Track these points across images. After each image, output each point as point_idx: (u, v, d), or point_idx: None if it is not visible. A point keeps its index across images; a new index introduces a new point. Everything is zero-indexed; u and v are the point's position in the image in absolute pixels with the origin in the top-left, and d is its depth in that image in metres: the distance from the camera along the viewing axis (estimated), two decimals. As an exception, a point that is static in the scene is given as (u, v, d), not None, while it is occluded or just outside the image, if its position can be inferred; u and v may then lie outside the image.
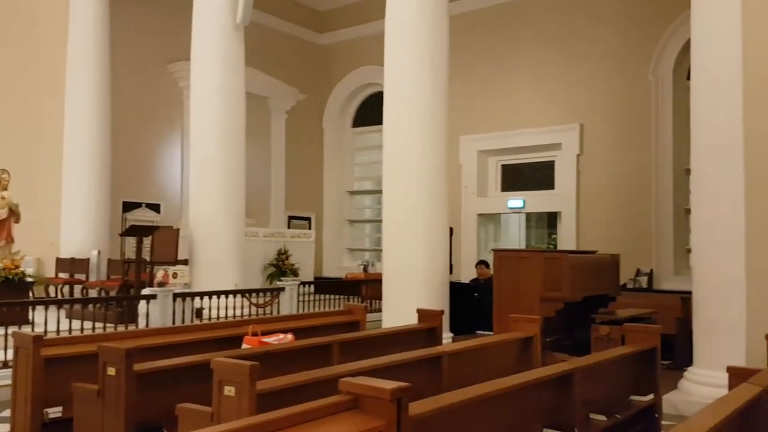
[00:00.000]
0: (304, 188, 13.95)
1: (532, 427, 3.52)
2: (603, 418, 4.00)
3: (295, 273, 11.07)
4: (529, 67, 11.27)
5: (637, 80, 10.20)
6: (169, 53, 11.58)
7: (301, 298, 9.39)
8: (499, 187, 12.11)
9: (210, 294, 8.06)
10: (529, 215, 12.13)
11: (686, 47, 8.70)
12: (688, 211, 9.29)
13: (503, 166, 12.10)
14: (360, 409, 2.15)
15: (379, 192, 8.93)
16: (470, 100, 11.67)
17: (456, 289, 8.50)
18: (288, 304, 8.96)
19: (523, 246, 11.90)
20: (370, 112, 13.72)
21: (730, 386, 3.76)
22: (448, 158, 8.02)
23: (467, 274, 11.11)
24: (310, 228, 13.63)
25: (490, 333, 6.53)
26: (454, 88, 8.46)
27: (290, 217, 13.72)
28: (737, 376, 3.79)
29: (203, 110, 9.40)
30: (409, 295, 7.22)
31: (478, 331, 8.59)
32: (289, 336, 4.98)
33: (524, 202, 11.62)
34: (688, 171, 9.24)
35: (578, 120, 10.75)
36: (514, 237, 12.29)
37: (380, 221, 8.21)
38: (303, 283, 9.70)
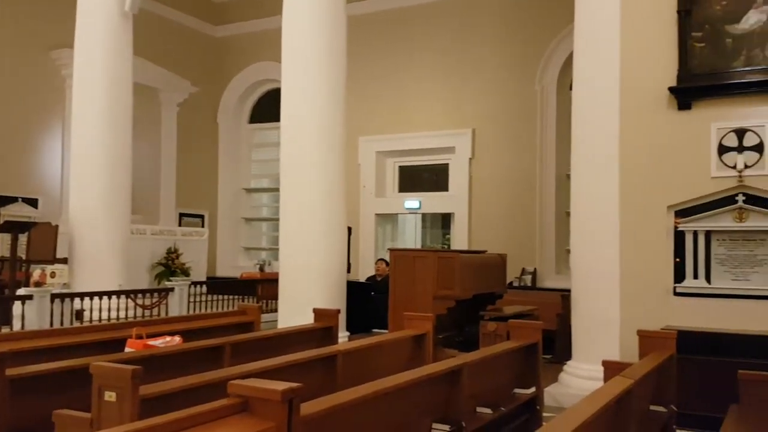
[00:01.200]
0: (197, 185, 13.50)
1: (422, 422, 3.60)
2: (489, 411, 4.16)
3: (186, 273, 10.68)
4: (426, 72, 11.54)
5: (524, 89, 10.70)
6: (51, 39, 10.83)
7: (192, 299, 9.08)
8: (396, 188, 12.31)
9: (91, 295, 7.62)
10: (424, 216, 12.42)
11: (570, 59, 9.23)
12: (568, 214, 9.86)
13: (400, 167, 12.31)
14: (250, 411, 2.10)
15: (277, 190, 8.81)
16: (369, 102, 11.78)
17: (354, 289, 8.55)
18: (177, 305, 8.64)
19: (419, 246, 12.16)
20: (267, 108, 13.48)
21: (605, 379, 4.03)
22: (347, 158, 8.06)
23: (365, 273, 11.21)
24: (203, 226, 13.20)
25: (386, 331, 6.62)
26: (353, 89, 8.52)
27: (181, 215, 13.22)
28: (611, 369, 4.08)
29: (86, 100, 8.87)
30: (305, 295, 7.18)
31: (375, 330, 8.69)
32: (177, 338, 4.81)
33: (420, 203, 11.88)
34: (569, 176, 9.80)
35: (471, 125, 11.13)
36: (411, 237, 12.54)
37: (277, 220, 8.10)
38: (194, 283, 9.38)
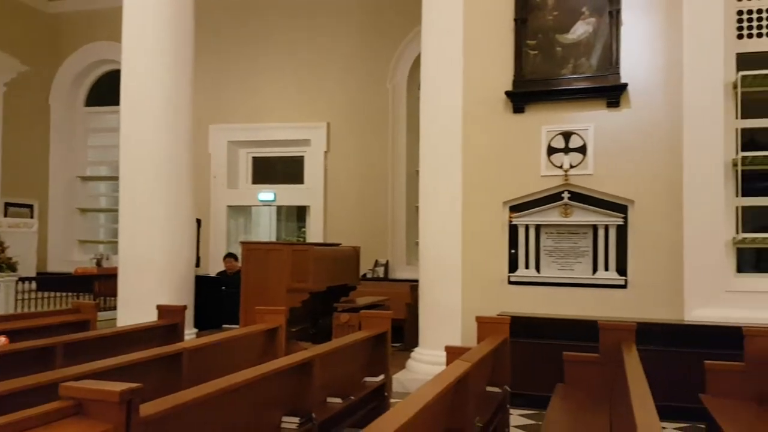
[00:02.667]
0: (25, 172, 12.27)
1: (272, 416, 3.59)
2: (339, 400, 4.24)
3: (12, 268, 9.68)
4: (281, 62, 11.41)
5: (377, 86, 10.94)
6: None
7: (19, 297, 8.31)
8: (250, 180, 12.06)
9: None
10: (279, 208, 12.30)
11: (419, 59, 9.59)
12: (418, 209, 10.28)
13: (254, 158, 12.07)
14: (85, 414, 1.98)
15: (116, 178, 8.28)
16: (221, 90, 11.42)
17: (203, 284, 8.27)
18: (3, 303, 7.87)
19: (274, 239, 12.02)
20: (106, 91, 12.55)
21: (448, 363, 4.26)
22: (196, 147, 7.75)
23: (216, 267, 10.87)
24: (32, 217, 12.05)
25: (238, 326, 6.49)
26: (203, 76, 8.22)
27: (7, 204, 11.97)
28: (453, 353, 4.31)
29: None
30: (148, 291, 6.82)
31: (226, 326, 8.48)
32: (2, 339, 4.38)
33: (275, 195, 11.74)
34: (418, 172, 10.21)
35: (326, 119, 11.19)
36: (265, 230, 12.35)
37: (117, 210, 7.60)
38: (22, 279, 8.59)
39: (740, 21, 6.05)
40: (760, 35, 6.02)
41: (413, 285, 8.61)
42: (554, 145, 6.30)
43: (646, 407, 2.68)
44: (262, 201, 11.84)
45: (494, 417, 4.50)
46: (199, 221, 8.44)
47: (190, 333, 6.67)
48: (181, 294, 7.08)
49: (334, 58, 11.11)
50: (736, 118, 5.96)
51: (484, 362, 4.29)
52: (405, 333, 8.33)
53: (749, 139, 6.19)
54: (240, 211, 12.19)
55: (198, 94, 7.72)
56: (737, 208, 5.92)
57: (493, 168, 6.46)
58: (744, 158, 5.85)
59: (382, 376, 5.12)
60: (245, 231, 12.32)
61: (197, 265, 8.31)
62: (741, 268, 6.03)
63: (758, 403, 4.25)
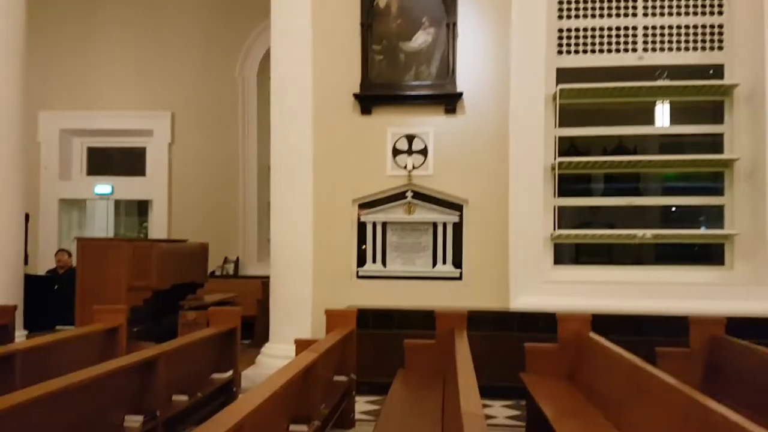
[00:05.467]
0: None
1: (114, 416, 3.52)
2: (185, 397, 4.23)
3: None
4: (123, 46, 10.77)
5: (225, 77, 10.71)
6: None
7: None
8: (85, 171, 11.28)
9: None
10: (118, 202, 11.63)
11: (270, 52, 9.56)
12: (269, 204, 10.27)
13: (90, 148, 11.31)
14: None
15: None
16: (52, 72, 10.56)
17: (32, 283, 7.66)
18: None
19: (111, 234, 11.35)
20: None
21: (297, 356, 4.42)
22: (23, 135, 7.16)
23: (46, 265, 10.06)
24: None
25: (73, 327, 6.14)
26: (32, 55, 7.58)
27: None
28: (302, 346, 4.47)
29: None
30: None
31: (59, 327, 7.91)
32: None
33: (113, 188, 11.10)
34: (270, 167, 10.19)
35: (170, 108, 10.76)
36: (102, 225, 11.62)
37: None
38: None
39: (560, 38, 6.78)
40: (577, 52, 6.79)
41: (264, 281, 8.59)
42: (399, 146, 6.66)
43: (470, 387, 3.02)
44: (98, 194, 11.14)
45: (340, 404, 4.73)
46: (27, 216, 7.79)
47: (20, 335, 6.19)
48: (9, 294, 6.54)
49: (180, 45, 10.69)
50: (555, 126, 6.69)
51: (331, 352, 4.49)
52: (255, 329, 8.33)
53: (570, 146, 6.98)
54: (73, 205, 11.37)
55: (27, 76, 7.13)
56: (555, 207, 6.67)
57: (343, 166, 6.69)
58: (561, 163, 6.60)
59: (230, 372, 5.15)
60: (79, 226, 11.51)
61: (25, 263, 7.68)
62: (559, 261, 6.80)
63: (568, 379, 4.87)
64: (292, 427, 3.58)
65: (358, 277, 6.66)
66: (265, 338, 7.04)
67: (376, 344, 5.92)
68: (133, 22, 10.74)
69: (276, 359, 6.32)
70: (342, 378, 4.94)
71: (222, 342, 5.20)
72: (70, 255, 9.11)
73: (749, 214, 6.34)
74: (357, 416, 5.20)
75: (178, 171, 10.78)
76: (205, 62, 10.68)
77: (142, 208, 11.55)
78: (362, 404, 5.57)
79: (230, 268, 10.46)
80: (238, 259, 10.55)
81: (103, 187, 11.07)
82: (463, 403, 2.67)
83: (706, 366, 4.83)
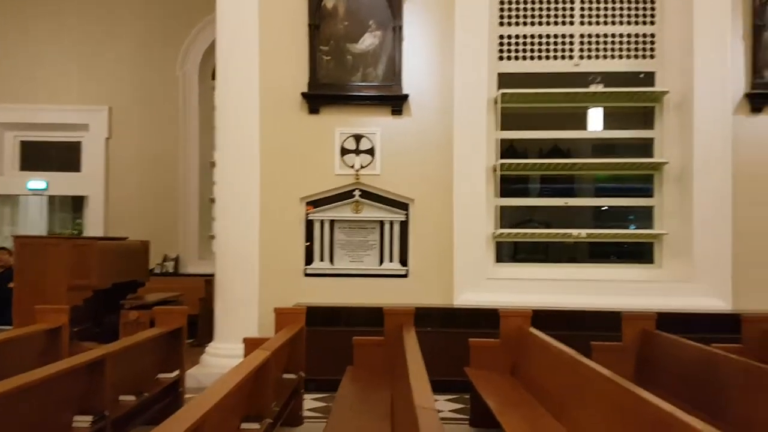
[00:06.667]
0: None
1: (62, 416, 3.47)
2: (132, 398, 4.19)
3: None
4: (58, 39, 10.39)
5: (166, 72, 10.49)
6: None
7: None
8: (17, 166, 10.83)
9: None
10: (52, 198, 11.22)
11: (211, 48, 9.45)
12: (212, 201, 10.15)
13: (23, 142, 10.86)
14: None
15: None
16: (-19, 64, 10.12)
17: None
18: None
19: (44, 231, 10.94)
20: None
21: (246, 354, 4.42)
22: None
23: (-27, 263, 9.62)
24: None
25: (11, 328, 5.93)
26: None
27: None
28: (251, 345, 4.49)
29: None
30: None
31: (-4, 327, 7.61)
32: None
33: (47, 183, 10.70)
34: (212, 164, 10.08)
35: (107, 102, 10.46)
36: (35, 222, 11.18)
37: None
38: None
39: (501, 44, 7.01)
40: (517, 58, 7.03)
41: (207, 279, 8.53)
42: (347, 146, 6.74)
43: (422, 382, 3.13)
44: (31, 190, 10.72)
45: (289, 402, 4.78)
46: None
47: (-51, 338, 5.93)
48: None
49: (119, 39, 10.40)
50: (497, 129, 6.92)
51: (281, 351, 4.53)
52: (199, 328, 8.24)
53: (508, 147, 7.22)
54: (5, 201, 10.91)
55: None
56: (496, 207, 6.90)
57: (291, 165, 6.72)
58: (502, 164, 6.83)
59: (176, 372, 5.11)
60: (11, 223, 11.06)
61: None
62: (499, 259, 7.03)
63: (510, 372, 5.07)
64: (243, 425, 3.62)
65: (306, 275, 6.70)
66: (208, 337, 6.99)
67: (325, 342, 5.98)
68: (70, 15, 10.38)
69: (222, 358, 6.30)
70: (291, 376, 4.99)
71: (168, 342, 5.15)
72: (10, 254, 8.75)
73: (677, 215, 6.74)
74: (305, 413, 5.25)
75: (116, 166, 10.50)
76: (144, 56, 10.44)
77: (76, 204, 11.18)
78: (310, 402, 5.63)
79: (170, 266, 10.27)
80: (178, 257, 10.37)
81: (36, 182, 10.66)
82: (416, 397, 2.77)
83: (637, 359, 5.13)
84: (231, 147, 6.68)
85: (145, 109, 10.46)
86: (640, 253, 7.14)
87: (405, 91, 6.67)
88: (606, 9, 6.98)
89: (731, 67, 6.56)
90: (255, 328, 6.36)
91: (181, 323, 5.23)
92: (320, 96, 6.70)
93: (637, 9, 6.95)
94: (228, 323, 6.53)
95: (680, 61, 6.74)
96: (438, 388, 3.16)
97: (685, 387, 4.25)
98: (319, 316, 6.06)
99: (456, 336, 5.61)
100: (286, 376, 4.92)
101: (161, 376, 4.97)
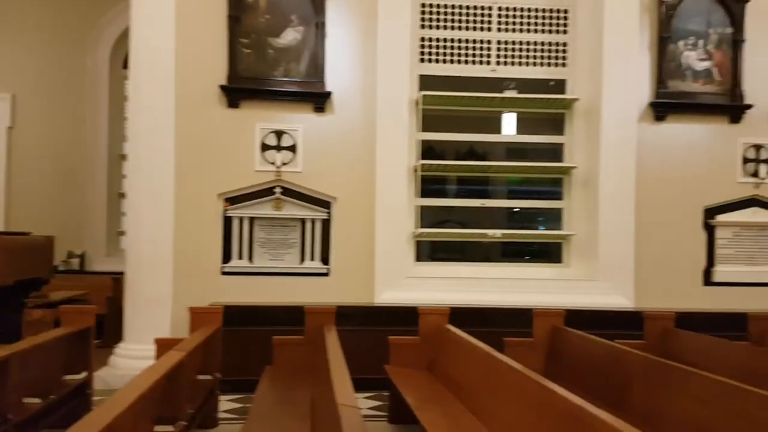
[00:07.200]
0: None
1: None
2: (37, 400, 3.98)
3: None
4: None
5: (74, 60, 9.94)
6: None
7: None
8: None
9: None
10: (-57, 190, 10.39)
11: (123, 37, 9.06)
12: (121, 195, 9.74)
13: None
14: None
15: None
16: None
17: None
18: None
19: (-68, 225, 10.12)
20: None
21: (158, 356, 4.29)
22: None
23: None
24: None
25: None
26: None
27: None
28: (163, 345, 4.36)
29: None
30: None
31: None
32: None
33: (-62, 174, 9.91)
34: (122, 156, 9.67)
35: (10, 90, 9.83)
36: None
37: None
38: None
39: (423, 47, 7.13)
40: (438, 61, 7.17)
41: (115, 277, 8.20)
42: (267, 142, 6.64)
43: (343, 380, 3.14)
44: None
45: (204, 403, 4.67)
46: None
47: None
48: None
49: (23, 22, 9.78)
50: (418, 130, 7.03)
51: (196, 352, 4.41)
52: (105, 328, 7.87)
53: (427, 148, 7.34)
54: None
55: None
56: (417, 207, 7.01)
57: (209, 160, 6.55)
58: (423, 165, 6.95)
59: (84, 374, 4.88)
60: None
61: None
62: (420, 258, 7.15)
63: (429, 369, 5.17)
64: (157, 428, 3.50)
65: (223, 273, 6.55)
66: (116, 338, 6.72)
67: (243, 342, 5.88)
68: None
69: (132, 360, 6.07)
70: (207, 377, 4.88)
71: (75, 342, 4.90)
72: None
73: (584, 217, 7.09)
74: (221, 415, 5.15)
75: (18, 158, 9.86)
76: (51, 42, 9.86)
77: (-29, 196, 10.41)
78: (227, 403, 5.52)
79: (75, 263, 9.77)
80: (84, 253, 9.89)
81: (-76, 172, 9.85)
82: (338, 396, 2.78)
83: (547, 354, 5.36)
84: (144, 139, 6.44)
85: (51, 97, 9.89)
86: (550, 252, 7.46)
87: (328, 89, 6.65)
88: (521, 17, 7.23)
89: (637, 77, 6.96)
90: (168, 329, 6.17)
91: (89, 323, 4.99)
92: (240, 89, 6.57)
93: (550, 18, 7.25)
94: (139, 323, 6.29)
95: (590, 70, 7.09)
96: (358, 386, 3.17)
97: (592, 380, 4.48)
98: (237, 316, 5.94)
99: (377, 334, 5.65)
100: (201, 377, 4.80)
101: (68, 377, 4.74)
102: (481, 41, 7.19)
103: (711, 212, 7.08)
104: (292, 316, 5.67)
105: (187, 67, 6.51)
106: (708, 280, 7.06)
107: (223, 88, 6.54)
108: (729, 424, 3.05)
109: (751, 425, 2.90)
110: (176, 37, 6.47)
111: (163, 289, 6.33)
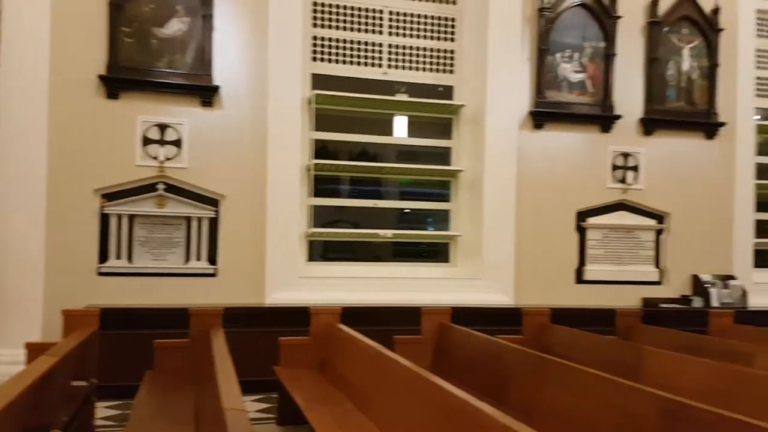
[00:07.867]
0: None
1: None
2: None
3: None
4: None
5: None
6: None
7: None
8: None
9: None
10: None
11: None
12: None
13: None
14: None
15: None
16: None
17: None
18: None
19: None
20: None
21: (29, 361, 3.98)
22: None
23: None
24: None
25: None
26: None
27: None
28: (34, 350, 4.04)
29: None
30: None
31: None
32: None
33: None
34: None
35: None
36: None
37: None
38: None
39: (315, 46, 7.10)
40: (330, 60, 7.17)
41: (-24, 279, 7.49)
42: (150, 136, 6.34)
43: (230, 383, 3.07)
44: None
45: (79, 411, 4.38)
46: None
47: None
48: None
49: None
50: (311, 129, 7.00)
51: (70, 357, 4.13)
52: (-37, 335, 7.18)
53: (320, 147, 7.32)
54: None
55: None
56: (309, 206, 6.97)
57: (84, 153, 6.15)
58: (316, 165, 6.92)
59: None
60: None
61: None
62: (312, 257, 7.11)
63: (319, 370, 5.16)
64: (26, 439, 3.25)
65: (100, 273, 6.18)
66: (-20, 344, 6.16)
67: (122, 346, 5.58)
68: None
69: (0, 365, 5.59)
70: (81, 383, 4.57)
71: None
72: None
73: (470, 219, 7.36)
74: (99, 423, 4.86)
75: None
76: None
77: None
78: (103, 410, 5.21)
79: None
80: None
81: None
82: (224, 400, 2.71)
83: (435, 350, 5.52)
84: (12, 130, 5.97)
85: None
86: (438, 253, 7.68)
87: (216, 83, 6.45)
88: (411, 22, 7.40)
89: (519, 86, 7.33)
90: (39, 333, 5.74)
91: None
92: (120, 80, 6.22)
93: (439, 26, 7.47)
94: (6, 327, 5.81)
95: (475, 77, 7.37)
96: (247, 389, 3.12)
97: (476, 375, 4.67)
98: (115, 319, 5.62)
99: (267, 335, 5.55)
100: (75, 383, 4.49)
101: None
102: (374, 44, 7.27)
103: (583, 215, 7.59)
104: (176, 319, 5.42)
105: (62, 54, 6.09)
106: (580, 278, 7.55)
107: (101, 77, 6.17)
108: (600, 413, 3.28)
109: (619, 414, 3.13)
110: (51, 23, 6.04)
111: (34, 291, 5.88)
